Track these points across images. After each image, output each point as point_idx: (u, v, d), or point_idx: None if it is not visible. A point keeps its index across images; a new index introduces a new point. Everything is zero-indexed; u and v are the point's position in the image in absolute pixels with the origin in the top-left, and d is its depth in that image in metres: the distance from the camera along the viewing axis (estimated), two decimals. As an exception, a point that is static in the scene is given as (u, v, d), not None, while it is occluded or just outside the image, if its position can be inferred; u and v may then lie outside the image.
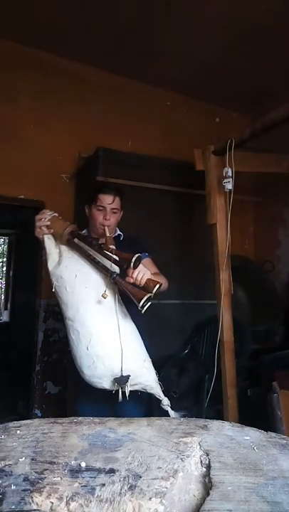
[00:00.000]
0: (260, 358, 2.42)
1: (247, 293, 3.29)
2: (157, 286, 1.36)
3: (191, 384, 2.45)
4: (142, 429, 0.92)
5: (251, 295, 3.29)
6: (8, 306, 6.06)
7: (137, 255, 1.38)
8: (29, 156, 3.04)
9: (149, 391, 1.45)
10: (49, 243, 1.55)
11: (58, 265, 1.51)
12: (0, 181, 2.94)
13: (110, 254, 1.45)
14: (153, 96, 3.58)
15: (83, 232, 1.69)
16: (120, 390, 1.36)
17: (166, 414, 1.40)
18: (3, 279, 7.41)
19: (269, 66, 3.17)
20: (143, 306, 1.32)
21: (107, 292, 1.42)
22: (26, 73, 3.09)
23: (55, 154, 3.15)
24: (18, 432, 0.89)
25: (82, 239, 1.52)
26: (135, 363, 1.42)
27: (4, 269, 7.20)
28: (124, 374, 1.37)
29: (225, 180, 2.14)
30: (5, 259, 7.18)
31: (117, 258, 1.46)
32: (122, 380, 1.36)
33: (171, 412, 1.42)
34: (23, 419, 0.98)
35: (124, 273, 1.41)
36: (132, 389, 1.40)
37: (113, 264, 1.47)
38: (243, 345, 2.42)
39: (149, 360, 1.48)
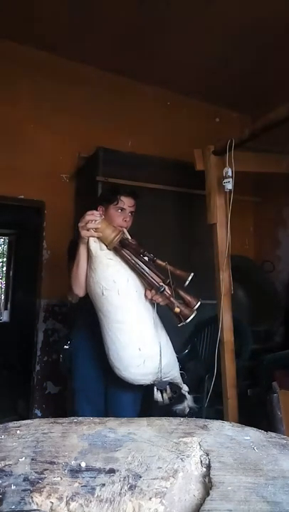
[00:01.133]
0: (260, 358, 2.42)
1: (247, 293, 3.28)
2: (199, 302, 1.42)
3: (191, 384, 2.45)
4: (141, 429, 0.92)
5: (251, 295, 3.29)
6: (8, 306, 6.05)
7: (192, 274, 1.43)
8: (29, 156, 3.05)
9: (175, 381, 1.60)
10: (95, 246, 1.53)
11: (107, 268, 1.51)
12: (0, 181, 2.94)
13: (161, 268, 1.48)
14: (153, 96, 3.58)
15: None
16: (160, 394, 1.49)
17: (165, 413, 1.42)
18: (3, 279, 7.41)
19: (269, 66, 3.17)
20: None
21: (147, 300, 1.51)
22: (26, 73, 3.10)
23: (55, 154, 3.15)
24: (18, 432, 0.89)
25: (133, 249, 1.51)
26: (171, 357, 1.56)
27: (4, 269, 7.19)
28: (163, 375, 1.50)
29: (225, 180, 2.14)
30: (5, 259, 7.17)
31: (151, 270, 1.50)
32: (162, 384, 1.48)
33: (189, 397, 1.58)
34: (23, 419, 0.98)
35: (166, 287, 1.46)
36: (166, 379, 1.55)
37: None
38: (243, 345, 2.42)
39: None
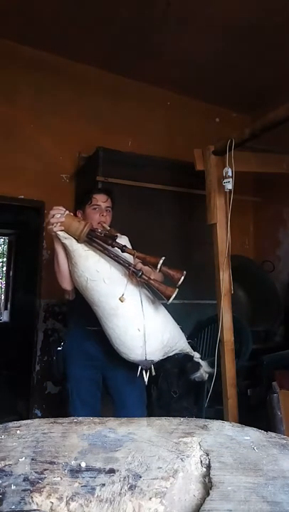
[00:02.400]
0: (260, 358, 2.42)
1: (247, 293, 3.28)
2: (183, 277, 1.41)
3: (191, 384, 2.45)
4: (142, 429, 0.92)
5: (251, 295, 3.29)
6: (8, 306, 6.05)
7: (163, 258, 1.43)
8: (29, 156, 3.04)
9: (184, 351, 1.63)
10: (70, 241, 1.53)
11: (87, 260, 1.51)
12: (0, 181, 2.94)
13: (132, 256, 1.49)
14: (153, 96, 3.58)
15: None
16: (144, 373, 1.48)
17: (166, 414, 1.43)
18: (3, 279, 7.41)
19: (269, 66, 3.17)
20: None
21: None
22: (26, 73, 3.09)
23: (55, 154, 3.15)
24: (18, 432, 0.89)
25: (102, 240, 1.51)
26: (174, 329, 1.59)
27: (4, 269, 7.19)
28: (169, 349, 1.53)
29: (225, 180, 2.14)
30: (5, 259, 7.17)
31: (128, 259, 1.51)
32: (146, 363, 1.47)
33: (203, 363, 1.62)
34: (23, 419, 0.98)
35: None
36: (173, 353, 1.58)
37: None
38: (243, 345, 2.42)
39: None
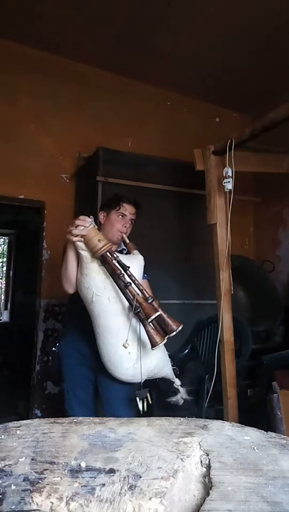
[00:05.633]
0: (260, 358, 2.42)
1: (247, 293, 3.28)
2: (177, 330, 1.40)
3: (191, 384, 2.45)
4: (142, 429, 0.92)
5: (251, 295, 3.29)
6: (8, 306, 6.05)
7: (158, 313, 1.40)
8: (29, 156, 3.05)
9: (167, 377, 1.68)
10: (86, 253, 1.53)
11: (98, 275, 1.51)
12: (0, 181, 2.94)
13: (133, 293, 1.45)
14: (153, 96, 3.58)
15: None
16: (141, 403, 1.47)
17: (165, 414, 1.43)
18: (3, 279, 7.41)
19: (269, 66, 3.17)
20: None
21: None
22: (26, 73, 3.10)
23: (55, 154, 3.16)
24: (18, 432, 0.89)
25: (112, 269, 1.47)
26: (162, 357, 1.63)
27: (4, 269, 7.19)
28: (153, 375, 1.57)
29: (225, 180, 2.13)
30: (5, 259, 7.17)
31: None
32: (142, 393, 1.48)
33: (182, 390, 1.66)
34: (23, 419, 0.98)
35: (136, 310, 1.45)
36: (158, 377, 1.65)
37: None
38: (243, 345, 2.41)
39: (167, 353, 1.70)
